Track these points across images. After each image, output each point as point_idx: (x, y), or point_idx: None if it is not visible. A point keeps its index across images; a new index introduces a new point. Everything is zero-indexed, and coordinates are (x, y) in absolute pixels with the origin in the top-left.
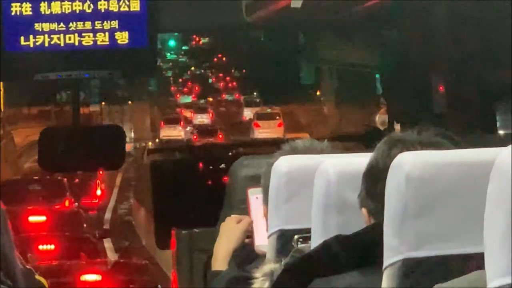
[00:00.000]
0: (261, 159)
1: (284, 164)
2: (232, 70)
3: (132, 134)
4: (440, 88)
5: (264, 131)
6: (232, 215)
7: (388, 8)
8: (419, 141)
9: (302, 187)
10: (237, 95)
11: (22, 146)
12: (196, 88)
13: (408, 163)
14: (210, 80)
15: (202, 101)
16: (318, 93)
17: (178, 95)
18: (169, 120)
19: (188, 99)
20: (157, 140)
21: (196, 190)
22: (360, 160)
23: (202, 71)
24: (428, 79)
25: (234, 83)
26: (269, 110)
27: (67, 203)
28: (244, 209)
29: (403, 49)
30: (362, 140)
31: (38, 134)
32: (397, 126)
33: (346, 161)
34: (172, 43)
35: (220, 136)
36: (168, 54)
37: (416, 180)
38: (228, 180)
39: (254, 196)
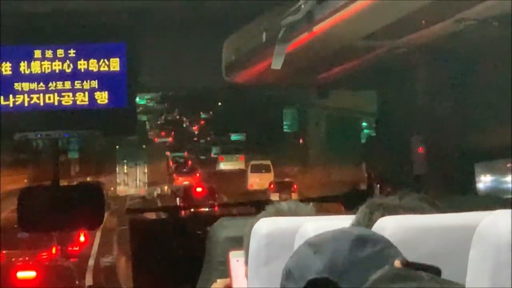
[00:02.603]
0: (240, 220)
1: (264, 227)
2: (200, 113)
3: (146, 179)
4: (420, 149)
5: (228, 164)
6: (219, 281)
7: (368, 70)
8: (401, 206)
9: (283, 250)
10: (209, 138)
11: None
12: (173, 132)
13: (389, 228)
14: (185, 125)
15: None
16: (301, 141)
17: (156, 139)
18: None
19: (166, 140)
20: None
21: (175, 250)
22: (340, 223)
23: (177, 116)
24: (408, 140)
25: (206, 126)
26: (240, 147)
27: (54, 251)
28: (223, 270)
29: (383, 110)
30: (343, 201)
31: (15, 183)
32: (377, 187)
33: (327, 224)
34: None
35: (198, 174)
36: (142, 100)
37: (396, 244)
38: (207, 241)
39: (235, 258)
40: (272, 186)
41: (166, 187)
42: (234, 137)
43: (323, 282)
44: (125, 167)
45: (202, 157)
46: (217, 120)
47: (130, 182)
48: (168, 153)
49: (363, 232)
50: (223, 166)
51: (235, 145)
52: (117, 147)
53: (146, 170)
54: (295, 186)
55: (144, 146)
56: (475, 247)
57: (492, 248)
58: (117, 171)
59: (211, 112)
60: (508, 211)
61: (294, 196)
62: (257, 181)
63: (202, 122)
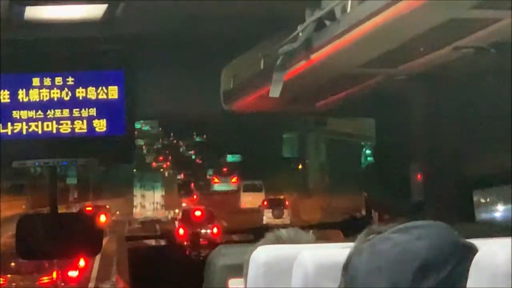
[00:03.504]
0: (239, 248)
1: (263, 254)
2: (194, 136)
3: (163, 201)
4: (418, 177)
5: (221, 185)
6: None
7: (366, 98)
8: None
9: (281, 278)
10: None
11: None
12: (170, 157)
13: None
14: (181, 149)
15: None
16: (300, 167)
17: (154, 163)
18: None
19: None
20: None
21: (174, 278)
22: (339, 252)
23: (174, 141)
24: (406, 167)
25: (200, 150)
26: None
27: (54, 275)
28: None
29: (381, 137)
30: (342, 228)
31: (13, 209)
32: (375, 214)
33: (325, 253)
34: None
35: (195, 196)
36: (137, 124)
37: None
38: (206, 269)
39: (234, 286)
40: (265, 203)
41: (177, 210)
42: (230, 158)
43: None
44: (143, 190)
45: (201, 183)
46: (212, 144)
47: (147, 205)
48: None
49: (430, 254)
50: (217, 187)
51: (229, 167)
52: (135, 170)
53: (163, 193)
54: (287, 203)
55: (161, 170)
56: (472, 277)
57: (488, 278)
58: (134, 194)
59: (205, 136)
60: (507, 239)
61: (286, 212)
62: (249, 200)
63: (197, 145)
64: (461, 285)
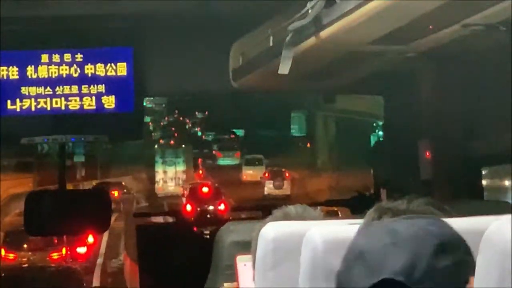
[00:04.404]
0: (247, 225)
1: (271, 231)
2: (196, 112)
3: (185, 177)
4: (427, 154)
5: (225, 159)
6: (226, 285)
7: (375, 75)
8: (409, 210)
9: (290, 254)
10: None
11: (3, 199)
12: (176, 134)
13: None
14: (187, 126)
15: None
16: (308, 145)
17: (161, 140)
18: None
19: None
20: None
21: (182, 255)
22: (347, 228)
23: (180, 118)
24: (415, 145)
25: (204, 125)
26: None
27: (64, 251)
28: (230, 275)
29: (389, 115)
30: (349, 206)
31: (19, 186)
32: (383, 192)
33: (334, 229)
34: None
35: (201, 172)
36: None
37: None
38: (214, 246)
39: (242, 263)
40: (267, 174)
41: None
42: (237, 131)
43: (395, 286)
44: (165, 166)
45: (207, 159)
46: (215, 119)
47: (168, 180)
48: None
49: (446, 236)
50: (221, 161)
51: (231, 143)
52: (156, 146)
53: (185, 169)
54: (287, 175)
55: (183, 146)
56: (482, 253)
57: (498, 254)
58: (156, 170)
59: (206, 112)
60: None
61: (287, 183)
62: (250, 173)
63: (203, 122)
64: (466, 277)
